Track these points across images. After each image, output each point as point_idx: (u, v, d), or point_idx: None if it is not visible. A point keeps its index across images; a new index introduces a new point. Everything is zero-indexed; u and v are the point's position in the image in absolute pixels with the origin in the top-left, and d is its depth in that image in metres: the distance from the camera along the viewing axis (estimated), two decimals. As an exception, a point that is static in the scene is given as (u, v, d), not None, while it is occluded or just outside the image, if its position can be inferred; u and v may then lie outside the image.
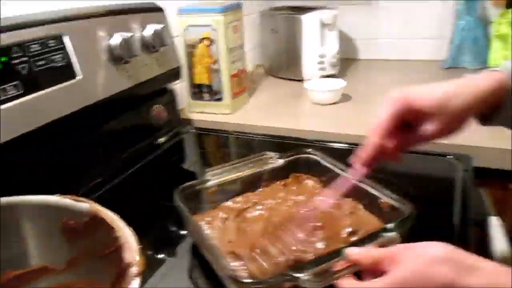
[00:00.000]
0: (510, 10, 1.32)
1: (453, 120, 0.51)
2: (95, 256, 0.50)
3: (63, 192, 0.54)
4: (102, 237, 0.49)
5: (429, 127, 0.51)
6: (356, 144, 0.95)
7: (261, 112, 1.24)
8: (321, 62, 1.42)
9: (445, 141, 0.90)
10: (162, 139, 1.06)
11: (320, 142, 0.98)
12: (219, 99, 1.21)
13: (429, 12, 1.56)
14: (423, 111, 0.51)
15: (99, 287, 0.49)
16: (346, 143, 0.97)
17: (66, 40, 0.77)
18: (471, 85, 0.50)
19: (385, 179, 0.67)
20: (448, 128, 0.51)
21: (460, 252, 0.42)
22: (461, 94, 0.49)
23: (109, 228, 0.48)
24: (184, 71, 1.19)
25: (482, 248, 0.73)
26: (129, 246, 0.45)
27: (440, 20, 1.55)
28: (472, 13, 1.42)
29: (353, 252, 0.49)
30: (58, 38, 0.76)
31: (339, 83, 1.24)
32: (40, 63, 0.72)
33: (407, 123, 0.54)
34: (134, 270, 0.42)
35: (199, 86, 1.21)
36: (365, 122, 1.08)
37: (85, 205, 0.51)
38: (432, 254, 0.42)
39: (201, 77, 1.20)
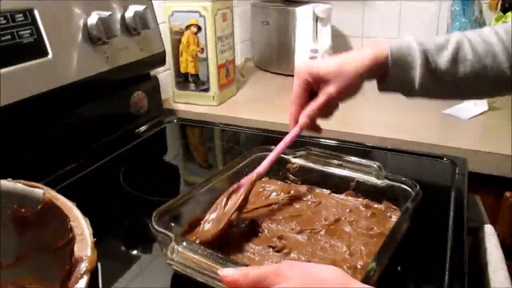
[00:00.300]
0: (506, 14, 1.28)
1: (348, 83, 0.61)
2: (46, 250, 0.45)
3: (28, 179, 0.49)
4: (55, 228, 0.44)
5: (330, 89, 0.61)
6: (344, 141, 0.93)
7: (249, 105, 1.19)
8: (313, 57, 1.37)
9: (441, 143, 0.88)
10: (142, 128, 1.00)
11: (310, 138, 0.94)
12: (205, 90, 1.15)
13: (423, 12, 1.52)
14: (322, 77, 0.62)
15: (49, 284, 0.44)
16: (335, 140, 0.93)
17: (37, 15, 0.71)
18: (358, 58, 0.61)
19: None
20: (345, 90, 0.62)
21: (349, 279, 0.39)
22: (351, 63, 0.61)
23: (63, 218, 0.43)
24: (170, 60, 1.13)
25: (476, 257, 0.69)
26: (83, 239, 0.40)
27: (434, 21, 1.51)
28: (468, 15, 1.38)
29: (228, 273, 0.43)
30: (28, 12, 0.70)
31: (331, 79, 1.20)
32: (5, 38, 0.66)
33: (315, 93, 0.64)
34: (83, 266, 0.37)
35: (184, 75, 1.16)
36: (355, 119, 1.06)
37: (39, 191, 0.46)
38: (323, 277, 0.39)
39: (187, 66, 1.14)
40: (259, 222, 0.60)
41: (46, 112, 0.75)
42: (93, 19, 0.80)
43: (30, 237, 0.46)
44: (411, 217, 0.56)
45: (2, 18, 0.66)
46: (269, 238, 0.57)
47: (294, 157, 0.71)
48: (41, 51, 0.72)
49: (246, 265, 0.46)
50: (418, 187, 0.59)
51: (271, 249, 0.55)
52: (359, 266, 0.51)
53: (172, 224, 0.56)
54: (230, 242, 0.56)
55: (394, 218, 0.61)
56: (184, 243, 0.48)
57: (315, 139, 0.93)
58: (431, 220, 0.65)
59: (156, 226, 0.51)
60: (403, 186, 0.61)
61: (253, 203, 0.65)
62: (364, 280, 0.43)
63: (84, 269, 0.38)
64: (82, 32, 0.80)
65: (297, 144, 0.73)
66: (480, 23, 1.38)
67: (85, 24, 0.80)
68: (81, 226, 0.42)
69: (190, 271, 0.49)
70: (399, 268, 0.55)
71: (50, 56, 0.73)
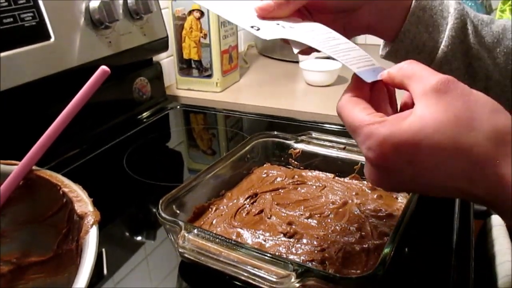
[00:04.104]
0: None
1: None
2: (35, 222, 0.45)
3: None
4: (43, 199, 0.44)
5: None
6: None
7: (253, 91, 1.18)
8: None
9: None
10: (144, 114, 0.99)
11: (313, 123, 0.93)
12: (209, 76, 1.14)
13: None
14: None
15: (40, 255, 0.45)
16: (339, 125, 0.92)
17: (39, -2, 0.70)
18: None
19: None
20: None
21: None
22: None
23: (51, 187, 0.43)
24: (172, 46, 1.12)
25: (483, 248, 0.69)
26: (80, 199, 0.41)
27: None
28: (474, -2, 1.36)
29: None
30: (30, -5, 0.69)
31: (335, 65, 1.19)
32: (7, 20, 0.65)
33: None
34: (90, 219, 0.38)
35: (187, 62, 1.15)
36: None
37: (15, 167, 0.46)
38: (494, 104, 0.33)
39: (190, 52, 1.13)
40: (267, 207, 0.60)
41: (48, 97, 0.74)
42: (95, 2, 0.79)
43: (13, 213, 0.46)
44: (417, 200, 0.56)
45: (3, 1, 0.65)
46: (278, 223, 0.56)
47: (296, 142, 0.70)
48: (43, 35, 0.71)
49: (260, 251, 0.46)
50: None
51: (282, 235, 0.54)
52: (372, 248, 0.51)
53: (178, 212, 0.56)
54: (240, 228, 0.56)
55: (400, 200, 0.61)
56: (195, 231, 0.48)
57: (318, 124, 0.93)
58: (437, 205, 0.65)
59: (163, 215, 0.50)
60: None
61: (259, 188, 0.65)
62: (380, 264, 0.43)
63: (92, 221, 0.38)
64: (85, 16, 0.79)
65: (300, 129, 0.73)
66: (486, 6, 1.37)
67: (87, 8, 0.79)
68: (76, 190, 0.42)
69: (204, 258, 0.48)
70: (406, 249, 0.55)
71: (52, 40, 0.72)
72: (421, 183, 0.34)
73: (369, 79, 0.39)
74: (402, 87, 0.36)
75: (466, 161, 0.31)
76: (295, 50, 0.43)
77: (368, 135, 0.33)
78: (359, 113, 0.35)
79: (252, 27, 0.42)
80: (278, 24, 0.44)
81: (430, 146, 0.31)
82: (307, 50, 0.44)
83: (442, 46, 0.48)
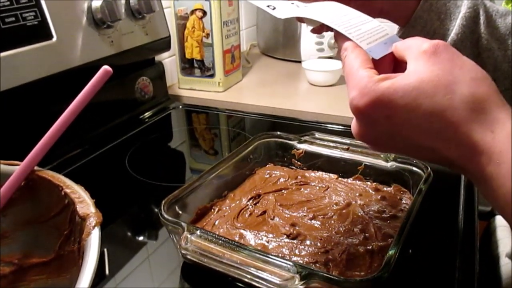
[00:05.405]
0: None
1: None
2: (36, 222, 0.45)
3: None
4: (45, 200, 0.44)
5: None
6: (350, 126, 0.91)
7: (255, 91, 1.18)
8: (320, 43, 1.36)
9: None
10: (146, 114, 0.99)
11: (316, 123, 0.93)
12: (211, 76, 1.14)
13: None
14: None
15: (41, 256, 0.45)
16: (342, 125, 0.92)
17: (41, -3, 0.70)
18: None
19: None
20: None
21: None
22: None
23: (53, 188, 0.43)
24: (175, 45, 1.12)
25: (487, 248, 0.68)
26: (82, 200, 0.41)
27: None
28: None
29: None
30: (32, -6, 0.69)
31: (338, 65, 1.18)
32: (9, 19, 0.65)
33: None
34: (92, 220, 0.38)
35: (190, 61, 1.14)
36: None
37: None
38: (479, 72, 0.34)
39: (193, 51, 1.13)
40: (269, 208, 0.60)
41: (50, 96, 0.74)
42: (97, 2, 0.78)
43: (15, 214, 0.46)
44: (422, 200, 0.55)
45: (5, 0, 0.64)
46: (281, 225, 0.56)
47: (299, 143, 0.70)
48: (45, 34, 0.70)
49: (264, 252, 0.46)
50: (429, 168, 0.58)
51: (285, 236, 0.54)
52: (376, 249, 0.50)
53: (180, 213, 0.55)
54: (243, 229, 0.56)
55: (405, 201, 0.60)
56: (198, 232, 0.47)
57: (321, 124, 0.92)
58: (441, 205, 0.64)
59: (166, 216, 0.50)
60: (413, 168, 0.61)
61: (262, 189, 0.64)
62: (385, 266, 0.43)
63: (94, 222, 0.38)
64: (87, 15, 0.78)
65: (303, 130, 0.73)
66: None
67: (90, 7, 0.78)
68: (77, 191, 0.42)
69: (207, 260, 0.47)
70: (410, 251, 0.55)
71: (54, 39, 0.72)
72: (398, 139, 0.35)
73: (377, 55, 0.40)
74: (402, 59, 0.37)
75: (440, 122, 0.32)
76: (309, 28, 0.48)
77: (354, 86, 0.35)
78: (359, 66, 0.36)
79: (268, 6, 0.45)
80: (293, 3, 0.46)
81: (406, 103, 0.33)
82: (320, 28, 0.47)
83: (452, 34, 0.48)
